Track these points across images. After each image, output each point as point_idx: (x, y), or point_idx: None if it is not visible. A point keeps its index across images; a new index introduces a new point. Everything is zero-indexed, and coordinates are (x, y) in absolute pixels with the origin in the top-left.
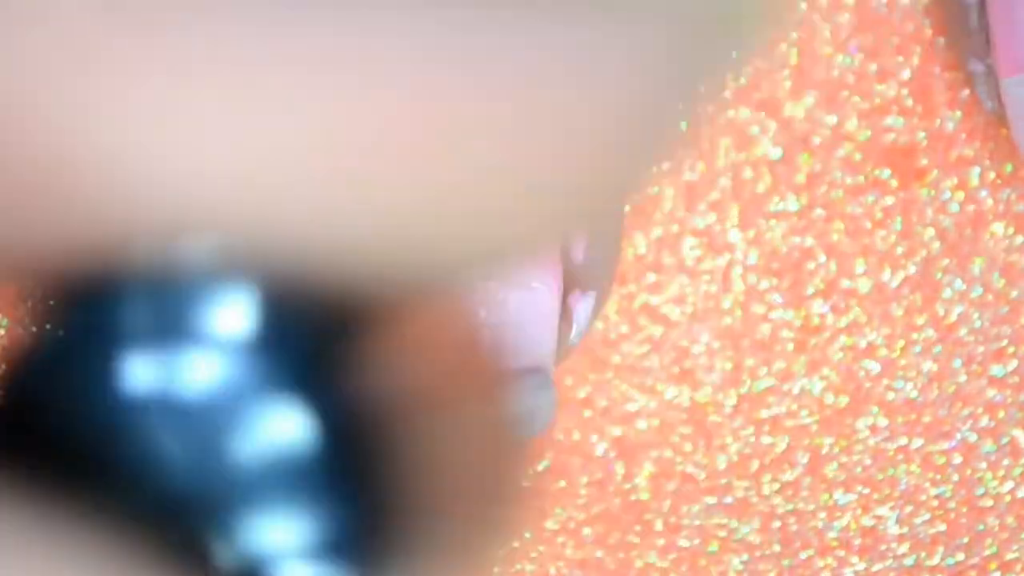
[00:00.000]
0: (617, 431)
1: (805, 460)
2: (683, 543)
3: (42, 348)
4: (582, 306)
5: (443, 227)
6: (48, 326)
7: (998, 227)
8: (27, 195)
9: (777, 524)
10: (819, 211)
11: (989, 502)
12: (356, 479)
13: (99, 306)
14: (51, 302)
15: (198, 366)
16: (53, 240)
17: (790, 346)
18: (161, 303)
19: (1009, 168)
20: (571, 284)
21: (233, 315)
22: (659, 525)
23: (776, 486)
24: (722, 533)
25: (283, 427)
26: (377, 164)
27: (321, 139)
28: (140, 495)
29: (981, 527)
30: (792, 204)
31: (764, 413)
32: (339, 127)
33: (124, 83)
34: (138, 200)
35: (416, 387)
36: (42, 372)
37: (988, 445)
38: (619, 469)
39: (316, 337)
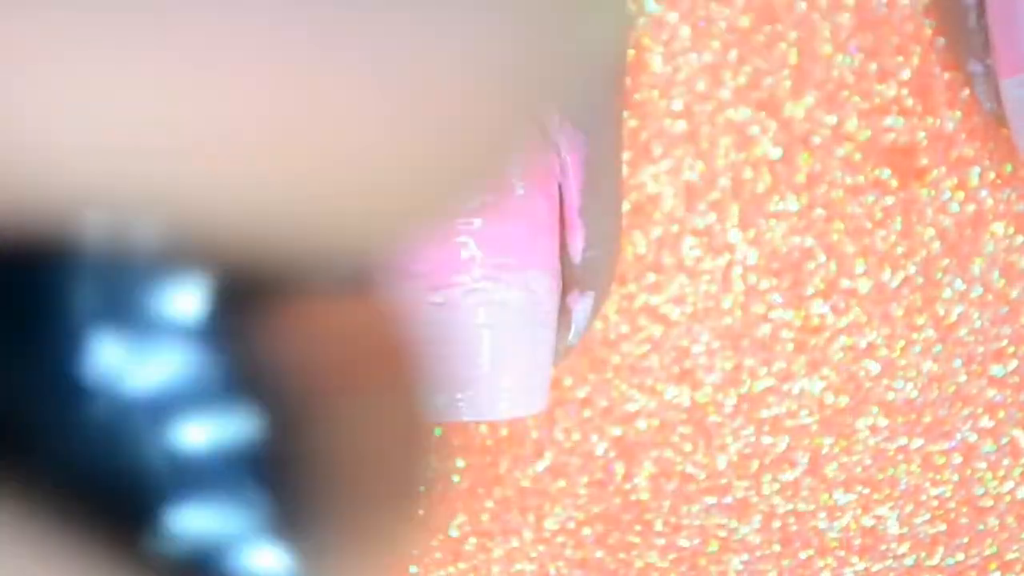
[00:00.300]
0: (617, 431)
1: (805, 460)
2: (683, 543)
3: None
4: (580, 306)
5: (319, 205)
6: None
7: (998, 227)
8: None
9: (777, 524)
10: (819, 211)
11: (989, 502)
12: (269, 462)
13: (35, 286)
14: None
15: (123, 348)
16: None
17: (790, 346)
18: (90, 284)
19: (1009, 168)
20: (569, 284)
21: (178, 298)
22: (659, 525)
23: (776, 486)
24: (722, 533)
25: (203, 410)
26: (250, 139)
27: (198, 114)
28: (78, 483)
29: (981, 527)
30: (792, 204)
31: (764, 413)
32: (221, 103)
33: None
34: (36, 172)
35: (322, 368)
36: None
37: (988, 445)
38: (619, 469)
39: (226, 312)
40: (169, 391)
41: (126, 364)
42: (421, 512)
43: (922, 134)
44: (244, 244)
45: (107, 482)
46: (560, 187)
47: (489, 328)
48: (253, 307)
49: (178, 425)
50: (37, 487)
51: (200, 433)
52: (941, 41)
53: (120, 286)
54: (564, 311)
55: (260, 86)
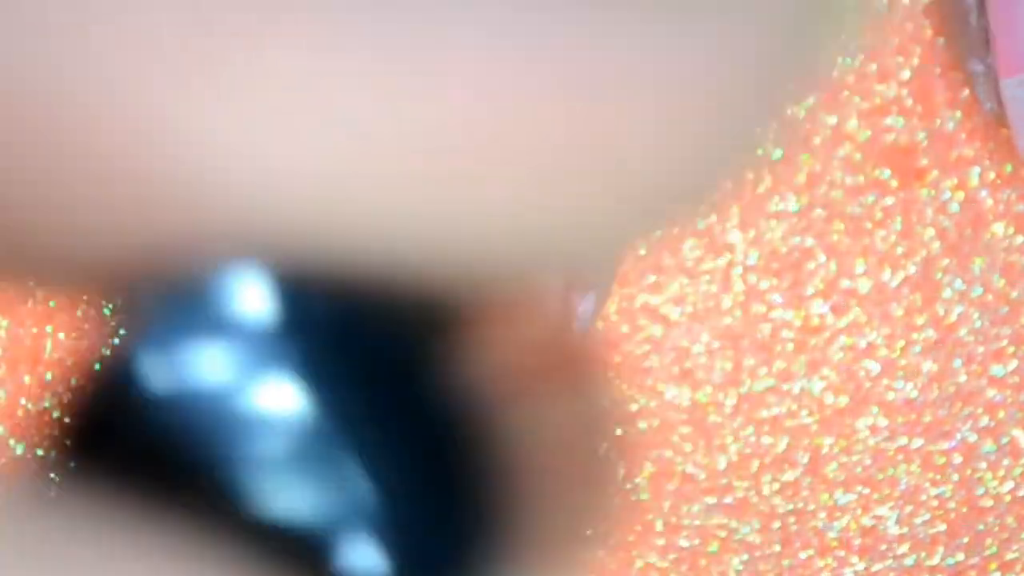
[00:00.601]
0: (617, 431)
1: (805, 460)
2: (683, 543)
3: (118, 352)
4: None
5: (527, 225)
6: (118, 329)
7: (998, 227)
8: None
9: (777, 524)
10: (819, 211)
11: (989, 502)
12: (454, 475)
13: (178, 306)
14: (123, 303)
15: (291, 367)
16: (145, 240)
17: (790, 346)
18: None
19: (1009, 168)
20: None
21: (326, 317)
22: (659, 525)
23: (776, 486)
24: (722, 533)
25: (383, 428)
26: (461, 163)
27: (408, 140)
28: (228, 496)
29: (981, 527)
30: (792, 204)
31: (764, 413)
32: (426, 128)
33: (217, 88)
34: (242, 203)
35: (505, 382)
36: (122, 376)
37: (988, 445)
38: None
39: (409, 336)
40: (343, 406)
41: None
42: (604, 515)
43: (922, 134)
44: (461, 263)
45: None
46: None
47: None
48: (441, 323)
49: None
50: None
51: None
52: (941, 41)
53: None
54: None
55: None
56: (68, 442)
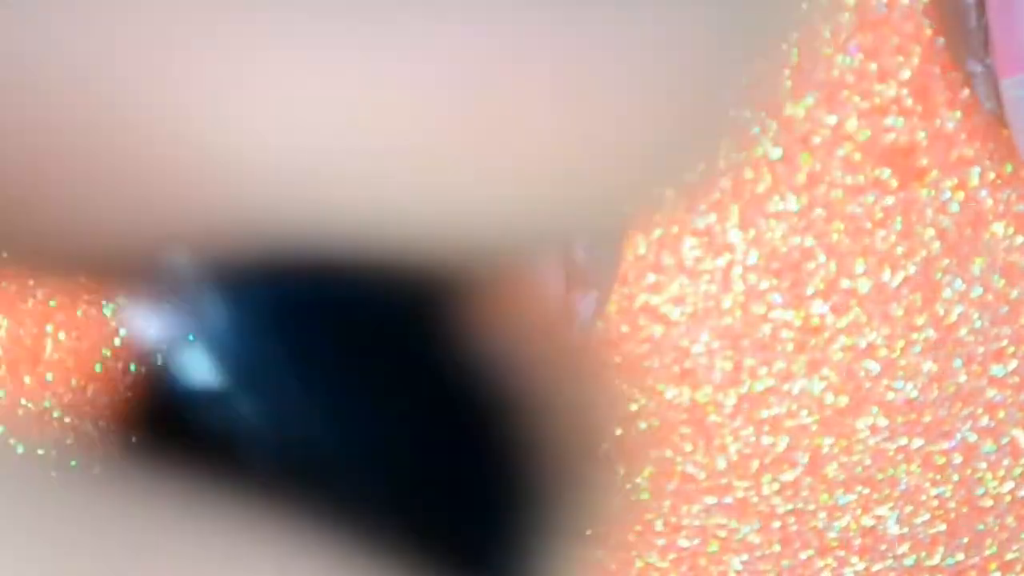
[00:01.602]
0: (617, 431)
1: (805, 460)
2: (683, 543)
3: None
4: (584, 305)
5: (519, 204)
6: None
7: (998, 227)
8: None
9: (777, 524)
10: (819, 211)
11: (989, 502)
12: (472, 451)
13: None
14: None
15: (315, 351)
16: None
17: (790, 346)
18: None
19: (1009, 168)
20: (573, 283)
21: (338, 298)
22: (659, 525)
23: (776, 486)
24: (722, 533)
25: (398, 404)
26: (460, 138)
27: (408, 117)
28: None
29: (981, 527)
30: (792, 204)
31: (764, 413)
32: (422, 105)
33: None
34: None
35: (509, 356)
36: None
37: (988, 445)
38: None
39: (413, 316)
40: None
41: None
42: (603, 520)
43: (922, 134)
44: (449, 245)
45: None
46: None
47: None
48: (445, 299)
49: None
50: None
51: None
52: (941, 41)
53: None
54: (567, 310)
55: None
56: (127, 420)
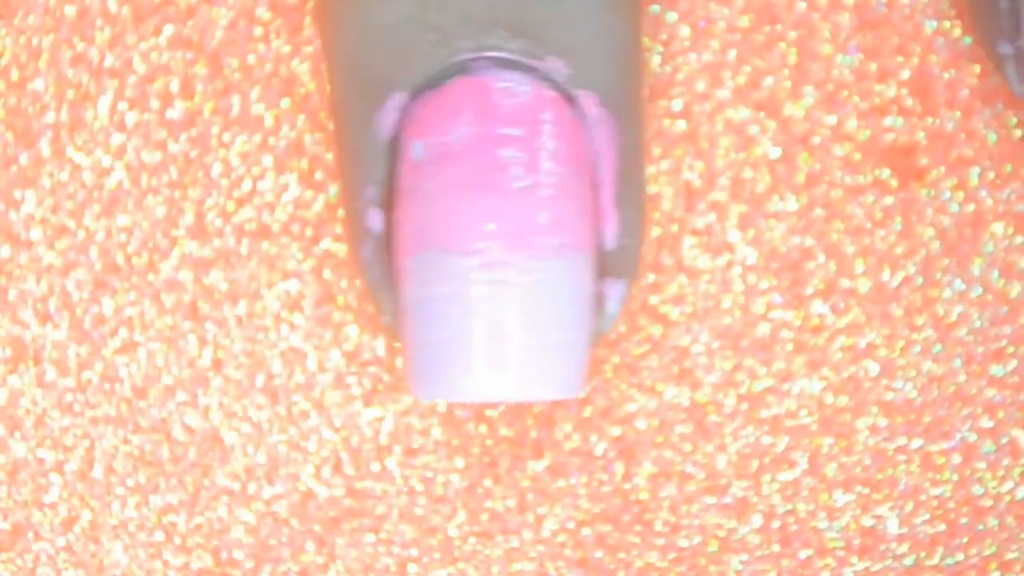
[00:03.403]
0: (617, 431)
1: (805, 460)
2: (683, 543)
3: None
4: (614, 293)
5: None
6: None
7: (998, 227)
8: None
9: (777, 524)
10: (819, 211)
11: (989, 502)
12: None
13: None
14: None
15: None
16: None
17: (790, 346)
18: None
19: (1009, 168)
20: (602, 271)
21: None
22: (659, 525)
23: (776, 486)
24: (722, 533)
25: None
26: None
27: None
28: None
29: (981, 527)
30: (792, 204)
31: (764, 413)
32: None
33: None
34: None
35: None
36: None
37: (988, 445)
38: (619, 469)
39: None
40: None
41: None
42: None
43: (922, 134)
44: None
45: None
46: (594, 175)
47: (533, 304)
48: None
49: None
50: None
51: None
52: (941, 41)
53: None
54: (598, 297)
55: None
56: None
